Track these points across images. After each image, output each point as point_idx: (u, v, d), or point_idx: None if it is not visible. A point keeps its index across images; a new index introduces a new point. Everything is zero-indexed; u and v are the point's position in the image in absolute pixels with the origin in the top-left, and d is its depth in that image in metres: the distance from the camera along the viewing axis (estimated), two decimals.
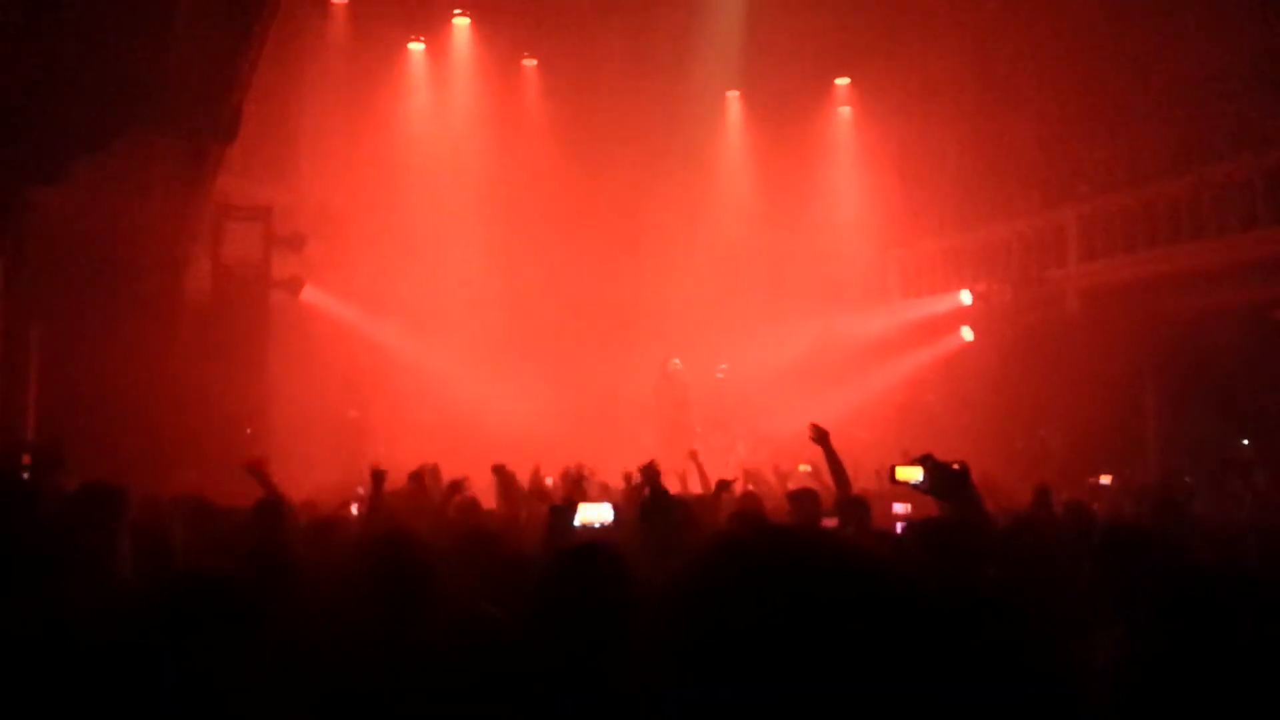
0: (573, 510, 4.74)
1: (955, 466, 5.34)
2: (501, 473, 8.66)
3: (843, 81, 22.19)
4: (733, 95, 22.56)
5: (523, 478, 9.13)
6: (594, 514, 4.69)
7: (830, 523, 6.45)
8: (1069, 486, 10.79)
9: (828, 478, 7.26)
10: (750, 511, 6.75)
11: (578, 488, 8.25)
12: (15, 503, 4.73)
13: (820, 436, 6.74)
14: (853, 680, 1.15)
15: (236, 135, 11.42)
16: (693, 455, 11.01)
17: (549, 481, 9.99)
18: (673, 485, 9.52)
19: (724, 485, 7.68)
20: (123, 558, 3.48)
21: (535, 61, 21.48)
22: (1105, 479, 11.27)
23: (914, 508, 7.62)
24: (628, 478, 9.19)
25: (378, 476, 6.64)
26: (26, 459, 6.92)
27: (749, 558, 1.26)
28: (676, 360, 19.42)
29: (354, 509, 7.80)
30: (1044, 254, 18.93)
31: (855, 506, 6.60)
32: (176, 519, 6.18)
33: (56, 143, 10.04)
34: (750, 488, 10.77)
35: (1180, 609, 2.16)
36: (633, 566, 2.91)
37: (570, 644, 2.62)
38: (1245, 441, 12.95)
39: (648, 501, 5.88)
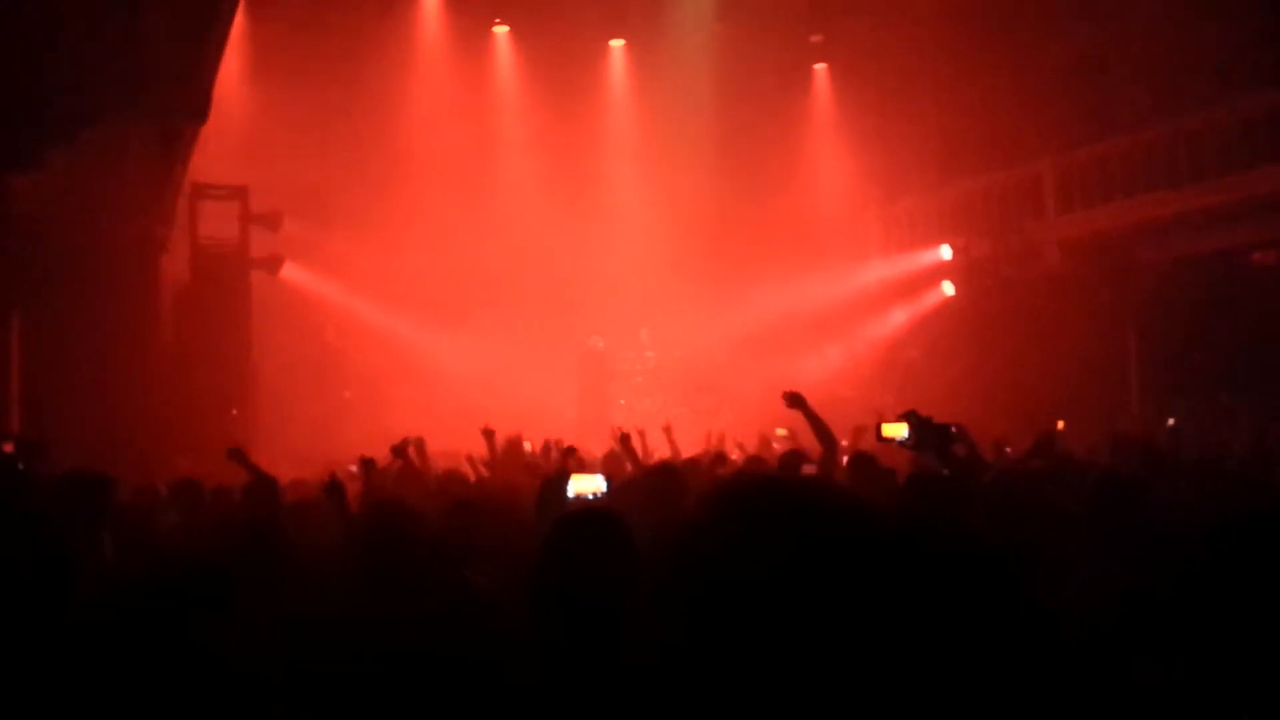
0: (565, 481, 4.69)
1: (954, 429, 5.42)
2: (489, 438, 8.74)
3: (818, 38, 22.07)
4: (708, 55, 22.36)
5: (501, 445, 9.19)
6: (588, 485, 4.60)
7: (810, 469, 6.50)
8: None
9: (806, 440, 7.29)
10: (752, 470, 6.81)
11: (567, 459, 8.25)
12: (4, 488, 4.74)
13: (795, 400, 6.68)
14: (850, 622, 1.19)
15: (208, 115, 11.33)
16: (666, 429, 10.97)
17: (527, 446, 10.04)
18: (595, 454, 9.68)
19: (720, 460, 7.68)
20: (107, 543, 3.49)
21: (506, 28, 21.29)
22: (1060, 424, 11.36)
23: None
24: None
25: (368, 465, 6.71)
26: (9, 447, 6.89)
27: (748, 504, 1.30)
28: (597, 338, 19.61)
29: None
30: (1022, 206, 18.96)
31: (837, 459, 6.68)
32: (167, 504, 6.20)
33: (29, 130, 9.96)
34: (741, 453, 10.85)
35: (1169, 548, 2.21)
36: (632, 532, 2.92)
37: (573, 611, 2.62)
38: (1171, 422, 12.80)
39: (650, 470, 5.95)
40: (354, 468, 7.56)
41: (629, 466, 7.82)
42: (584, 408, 18.84)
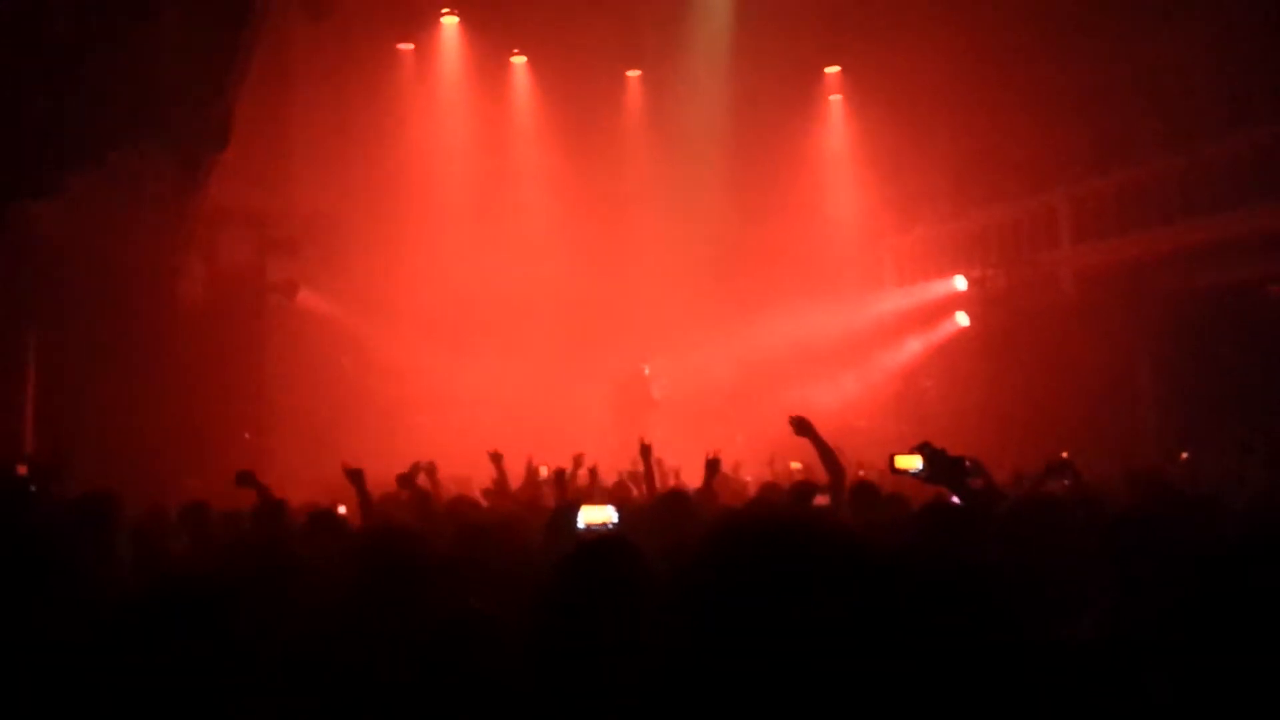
0: (575, 511, 4.64)
1: (969, 463, 5.38)
2: (497, 463, 8.72)
3: (833, 70, 22.18)
4: (723, 86, 22.47)
5: (516, 470, 9.15)
6: (598, 515, 4.53)
7: (823, 499, 6.45)
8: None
9: (820, 473, 7.24)
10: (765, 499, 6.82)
11: (585, 486, 8.23)
12: (14, 510, 4.77)
13: (803, 427, 6.62)
14: (848, 653, 1.20)
15: (228, 142, 11.42)
16: (677, 472, 10.95)
17: (543, 471, 10.01)
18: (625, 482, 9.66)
19: (714, 466, 7.65)
20: (120, 563, 3.50)
21: (524, 58, 21.46)
22: (1064, 455, 11.29)
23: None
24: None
25: (356, 476, 6.68)
26: (22, 469, 6.91)
27: (750, 540, 1.31)
28: (646, 365, 19.64)
29: (341, 509, 7.79)
30: (1036, 237, 18.95)
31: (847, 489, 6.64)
32: (179, 526, 6.22)
33: (50, 157, 10.04)
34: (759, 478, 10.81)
35: (1184, 582, 2.19)
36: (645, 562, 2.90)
37: (581, 641, 2.61)
38: (1185, 455, 12.68)
39: (662, 496, 5.94)
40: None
41: (635, 493, 7.81)
42: (619, 433, 18.71)
